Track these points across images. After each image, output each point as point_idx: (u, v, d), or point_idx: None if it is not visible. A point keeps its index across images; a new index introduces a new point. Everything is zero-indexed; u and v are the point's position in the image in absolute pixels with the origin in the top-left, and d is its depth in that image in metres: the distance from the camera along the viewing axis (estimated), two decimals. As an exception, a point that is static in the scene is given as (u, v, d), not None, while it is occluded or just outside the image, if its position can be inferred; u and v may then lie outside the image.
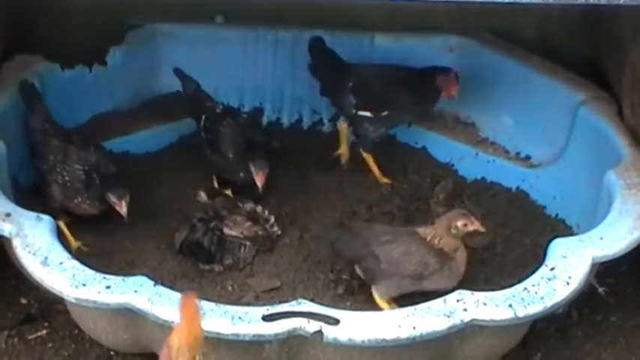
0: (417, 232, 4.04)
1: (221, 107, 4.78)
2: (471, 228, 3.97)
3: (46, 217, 3.77)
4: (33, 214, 3.78)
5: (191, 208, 4.50)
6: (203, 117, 4.72)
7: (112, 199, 4.23)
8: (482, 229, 4.01)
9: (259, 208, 4.46)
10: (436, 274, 3.94)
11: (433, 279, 3.94)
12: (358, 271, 4.05)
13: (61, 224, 4.20)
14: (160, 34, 5.20)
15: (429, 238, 3.98)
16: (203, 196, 4.55)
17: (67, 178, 4.28)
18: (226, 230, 4.30)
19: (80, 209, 4.30)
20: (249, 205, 4.46)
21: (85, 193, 4.27)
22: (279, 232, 4.44)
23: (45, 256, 3.58)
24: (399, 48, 5.21)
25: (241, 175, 4.57)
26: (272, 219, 4.44)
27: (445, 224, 3.98)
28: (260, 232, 4.35)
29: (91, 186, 4.28)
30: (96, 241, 4.37)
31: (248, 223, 4.34)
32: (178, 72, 4.89)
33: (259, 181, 4.46)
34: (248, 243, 4.29)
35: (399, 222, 4.52)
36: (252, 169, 4.45)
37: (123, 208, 4.22)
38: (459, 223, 3.96)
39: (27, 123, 4.45)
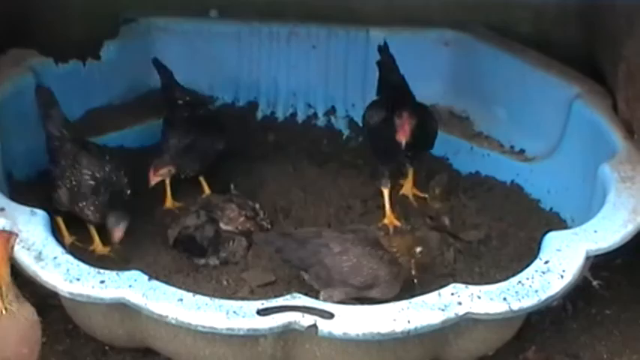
0: (377, 240, 3.99)
1: (187, 99, 4.77)
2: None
3: (40, 212, 3.77)
4: (27, 209, 3.78)
5: (185, 202, 4.50)
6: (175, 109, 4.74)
7: (111, 221, 4.18)
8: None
9: (250, 202, 4.46)
10: (384, 285, 3.92)
11: (380, 288, 3.92)
12: (306, 277, 4.02)
13: (59, 219, 4.20)
14: (154, 29, 5.20)
15: (389, 250, 3.95)
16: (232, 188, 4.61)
17: (74, 183, 4.22)
18: (222, 225, 4.30)
19: (83, 214, 4.24)
20: (240, 199, 4.46)
21: (89, 199, 4.21)
22: (269, 227, 4.45)
23: (39, 250, 3.58)
24: (394, 42, 5.20)
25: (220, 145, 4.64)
26: (262, 213, 4.46)
27: (408, 245, 3.95)
28: (252, 229, 4.35)
29: (98, 196, 4.21)
30: (90, 236, 4.37)
31: (242, 219, 4.35)
32: (156, 62, 4.90)
33: None
34: (243, 238, 4.29)
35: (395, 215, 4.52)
36: None
37: (117, 234, 4.18)
38: (418, 250, 3.93)
39: (45, 129, 4.37)
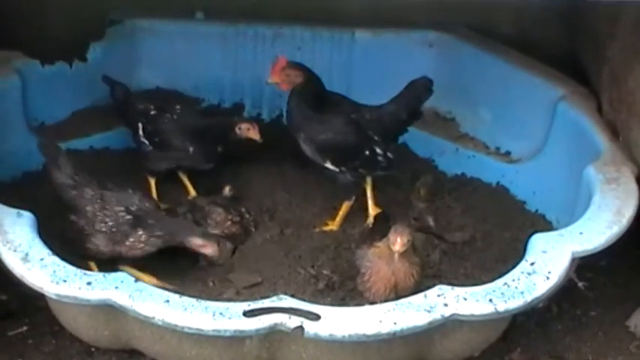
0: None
1: (152, 107, 4.70)
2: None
3: (27, 214, 3.76)
4: (13, 211, 3.77)
5: (173, 204, 4.50)
6: (140, 124, 4.65)
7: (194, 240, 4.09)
8: None
9: (236, 205, 4.48)
10: None
11: None
12: None
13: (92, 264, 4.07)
14: (140, 30, 5.19)
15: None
16: (227, 190, 4.56)
17: (111, 224, 4.06)
18: (209, 229, 4.29)
19: (135, 250, 4.08)
20: (225, 201, 4.47)
21: (136, 233, 4.04)
22: (254, 229, 4.46)
23: (25, 252, 3.57)
24: (378, 43, 5.22)
25: (205, 162, 4.62)
26: (247, 215, 4.48)
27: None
28: (238, 232, 4.36)
29: (144, 227, 4.05)
30: (77, 237, 4.33)
31: (228, 223, 4.35)
32: (106, 79, 4.82)
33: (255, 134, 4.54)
34: (228, 242, 4.28)
35: (379, 217, 4.52)
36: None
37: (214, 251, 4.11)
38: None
39: (55, 181, 4.14)
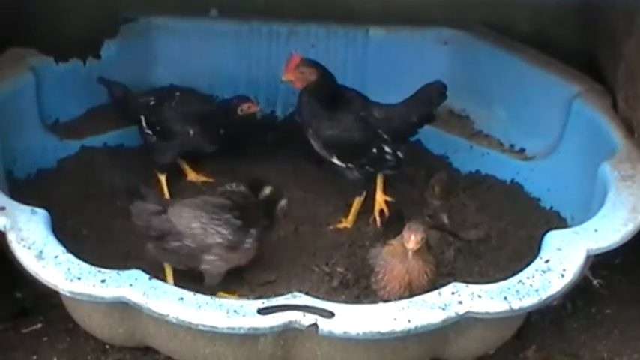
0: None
1: (152, 98, 4.75)
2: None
3: (41, 211, 3.76)
4: (27, 208, 3.77)
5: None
6: (142, 117, 4.70)
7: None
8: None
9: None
10: None
11: None
12: None
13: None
14: (154, 28, 5.19)
15: None
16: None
17: (225, 232, 4.01)
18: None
19: (250, 252, 4.09)
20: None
21: (248, 233, 4.06)
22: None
23: (40, 249, 3.58)
24: (393, 41, 5.21)
25: (208, 144, 4.68)
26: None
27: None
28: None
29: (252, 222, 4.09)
30: (91, 234, 4.38)
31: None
32: (102, 80, 4.82)
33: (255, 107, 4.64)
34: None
35: (393, 214, 4.52)
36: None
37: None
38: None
39: (141, 215, 4.02)
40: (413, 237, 3.70)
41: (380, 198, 4.55)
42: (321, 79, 4.39)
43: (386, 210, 4.54)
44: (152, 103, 4.72)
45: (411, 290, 3.76)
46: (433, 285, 3.74)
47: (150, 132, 4.69)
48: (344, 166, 4.43)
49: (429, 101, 4.41)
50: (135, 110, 4.74)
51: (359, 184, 4.49)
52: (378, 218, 4.52)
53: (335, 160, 4.43)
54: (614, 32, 4.52)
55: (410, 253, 3.72)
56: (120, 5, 5.14)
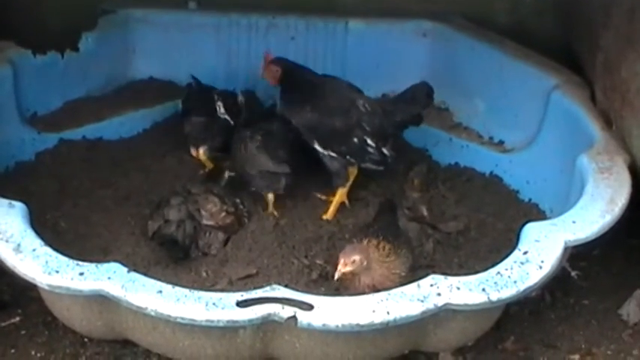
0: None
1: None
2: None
3: (19, 204, 3.74)
4: (5, 201, 3.75)
5: (165, 194, 4.49)
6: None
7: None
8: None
9: (230, 196, 4.46)
10: None
11: None
12: None
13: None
14: (132, 20, 5.18)
15: None
16: (226, 175, 4.56)
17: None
18: (204, 221, 4.28)
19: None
20: (221, 191, 4.45)
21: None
22: (247, 220, 4.44)
23: (17, 243, 3.56)
24: (372, 33, 5.22)
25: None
26: (241, 206, 4.46)
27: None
28: (232, 223, 4.35)
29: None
30: (69, 227, 4.36)
31: (223, 214, 4.33)
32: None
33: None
34: (220, 233, 4.28)
35: (374, 207, 4.53)
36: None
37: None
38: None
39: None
40: (342, 260, 3.72)
41: (342, 191, 4.55)
42: (285, 75, 4.49)
43: (346, 203, 4.56)
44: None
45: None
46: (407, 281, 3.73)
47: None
48: (325, 153, 4.44)
49: (416, 102, 4.43)
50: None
51: (340, 175, 4.49)
52: (331, 209, 4.53)
53: (316, 146, 4.44)
54: (592, 24, 4.53)
55: (336, 275, 3.74)
56: (99, -3, 5.13)
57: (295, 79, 4.50)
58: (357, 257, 3.74)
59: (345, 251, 3.78)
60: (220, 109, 4.83)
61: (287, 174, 4.47)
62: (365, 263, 3.75)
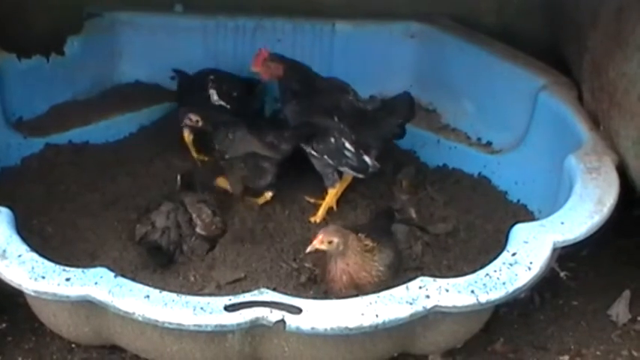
0: None
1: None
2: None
3: (4, 210, 3.72)
4: (-9, 207, 3.75)
5: (153, 198, 4.47)
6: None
7: None
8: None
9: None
10: None
11: None
12: None
13: None
14: (118, 23, 5.17)
15: None
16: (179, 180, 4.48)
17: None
18: (198, 230, 4.26)
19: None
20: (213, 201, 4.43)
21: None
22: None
23: (3, 248, 3.54)
24: (359, 35, 5.21)
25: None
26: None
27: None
28: (220, 234, 4.34)
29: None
30: (56, 232, 4.34)
31: (213, 227, 4.30)
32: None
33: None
34: (204, 242, 4.27)
35: (362, 210, 4.52)
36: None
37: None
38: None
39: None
40: (320, 237, 3.74)
41: (332, 192, 4.53)
42: (289, 73, 4.46)
43: (335, 207, 4.54)
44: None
45: (359, 291, 3.75)
46: (391, 283, 3.71)
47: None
48: (307, 150, 4.45)
49: (397, 113, 4.43)
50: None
51: (327, 176, 4.48)
52: (320, 211, 4.51)
53: (302, 144, 4.46)
54: (579, 25, 4.53)
55: (308, 249, 3.77)
56: (84, 0, 5.10)
57: (296, 79, 4.49)
58: (335, 239, 3.76)
59: (326, 229, 3.82)
60: (213, 96, 4.83)
61: (273, 163, 4.46)
62: (341, 248, 3.77)
